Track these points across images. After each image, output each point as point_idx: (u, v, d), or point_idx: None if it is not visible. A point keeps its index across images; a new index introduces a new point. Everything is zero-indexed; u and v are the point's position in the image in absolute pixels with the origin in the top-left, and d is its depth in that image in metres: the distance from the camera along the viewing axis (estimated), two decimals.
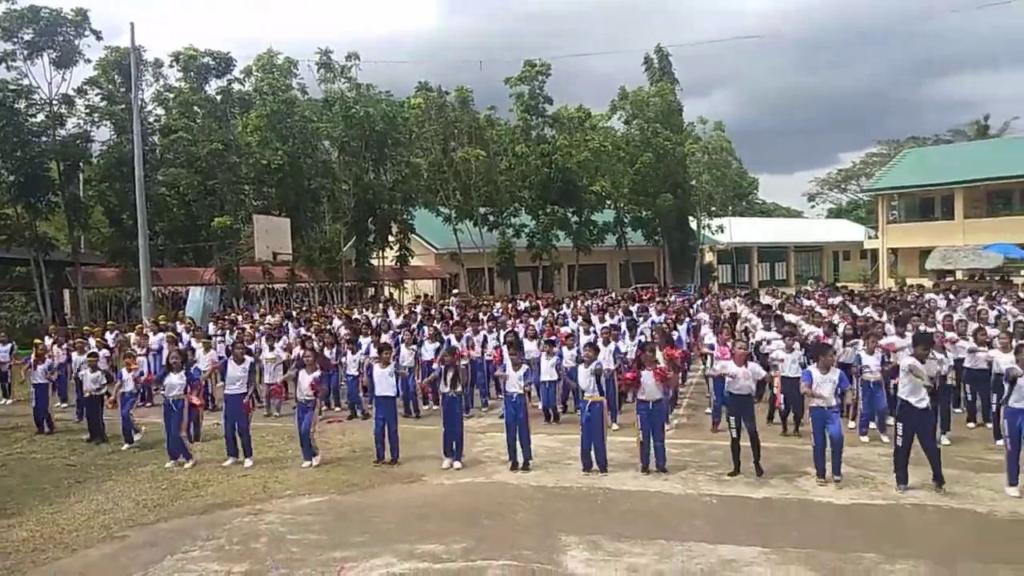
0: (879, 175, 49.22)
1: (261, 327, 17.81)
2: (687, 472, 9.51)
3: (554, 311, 19.36)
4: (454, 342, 13.53)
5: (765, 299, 21.47)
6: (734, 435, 9.22)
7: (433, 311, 21.40)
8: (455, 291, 35.48)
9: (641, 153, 39.78)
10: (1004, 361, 9.26)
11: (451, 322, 16.59)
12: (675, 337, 14.05)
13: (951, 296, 20.40)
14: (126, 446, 11.85)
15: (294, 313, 21.75)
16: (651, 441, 9.52)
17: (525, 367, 10.15)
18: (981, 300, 18.69)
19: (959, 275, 34.13)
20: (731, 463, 9.27)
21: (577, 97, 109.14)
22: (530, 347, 12.92)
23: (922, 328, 11.50)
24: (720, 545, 7.06)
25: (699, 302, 24.35)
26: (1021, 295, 21.20)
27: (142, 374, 12.56)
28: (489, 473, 9.82)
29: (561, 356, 12.27)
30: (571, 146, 37.66)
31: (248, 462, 10.51)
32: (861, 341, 11.48)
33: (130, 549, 7.47)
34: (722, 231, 47.36)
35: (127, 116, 26.70)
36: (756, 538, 7.24)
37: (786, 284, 51.06)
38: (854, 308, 17.21)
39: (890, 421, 11.49)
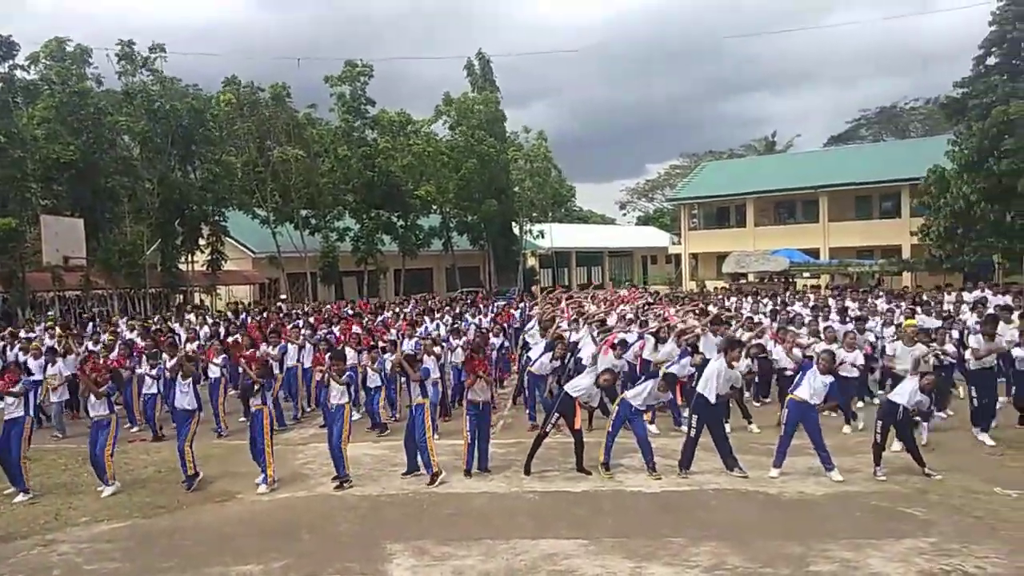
0: (681, 186, 53.22)
1: (47, 340, 16.07)
2: (511, 471, 9.71)
3: (375, 316, 19.11)
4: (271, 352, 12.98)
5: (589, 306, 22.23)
6: (544, 431, 9.57)
7: (247, 318, 20.31)
8: (283, 296, 33.94)
9: (466, 159, 40.23)
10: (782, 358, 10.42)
11: (267, 331, 15.84)
12: (494, 342, 14.57)
13: (751, 299, 22.29)
14: None
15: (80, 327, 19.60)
16: (477, 443, 9.64)
17: (349, 375, 9.87)
18: (764, 302, 20.64)
19: (751, 277, 37.61)
20: (548, 464, 9.58)
21: (399, 101, 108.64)
22: (352, 353, 12.65)
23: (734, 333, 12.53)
24: (542, 540, 7.28)
25: (523, 304, 24.95)
26: (811, 296, 23.55)
27: None
28: (311, 486, 9.47)
29: (384, 362, 12.15)
30: (394, 149, 37.34)
31: (21, 497, 9.18)
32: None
33: None
34: (543, 236, 49.04)
35: None
36: (576, 530, 7.53)
37: (601, 287, 53.70)
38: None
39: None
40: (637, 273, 62.47)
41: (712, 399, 9.22)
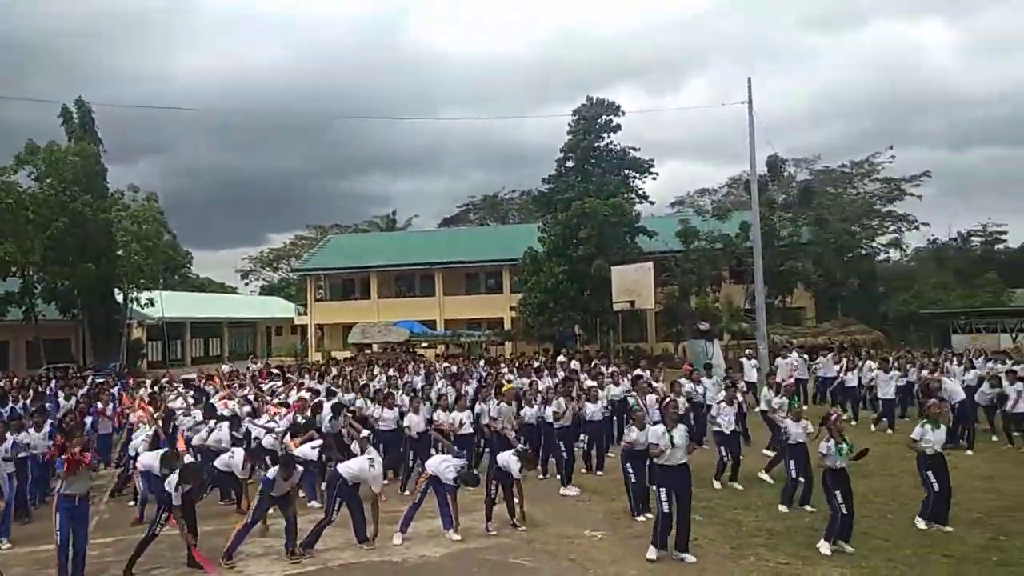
0: (307, 257, 53.25)
1: None
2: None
3: None
4: None
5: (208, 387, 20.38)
6: (153, 533, 8.66)
7: None
8: None
9: (56, 216, 35.05)
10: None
11: None
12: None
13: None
14: None
15: None
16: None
17: None
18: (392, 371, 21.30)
19: (375, 348, 38.78)
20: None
21: None
22: None
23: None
24: None
25: (120, 383, 21.89)
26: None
27: None
28: None
29: None
30: None
31: None
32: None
33: None
34: (153, 305, 44.54)
35: None
36: None
37: (220, 360, 50.51)
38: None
39: None
40: (261, 345, 60.15)
41: (344, 473, 9.34)
